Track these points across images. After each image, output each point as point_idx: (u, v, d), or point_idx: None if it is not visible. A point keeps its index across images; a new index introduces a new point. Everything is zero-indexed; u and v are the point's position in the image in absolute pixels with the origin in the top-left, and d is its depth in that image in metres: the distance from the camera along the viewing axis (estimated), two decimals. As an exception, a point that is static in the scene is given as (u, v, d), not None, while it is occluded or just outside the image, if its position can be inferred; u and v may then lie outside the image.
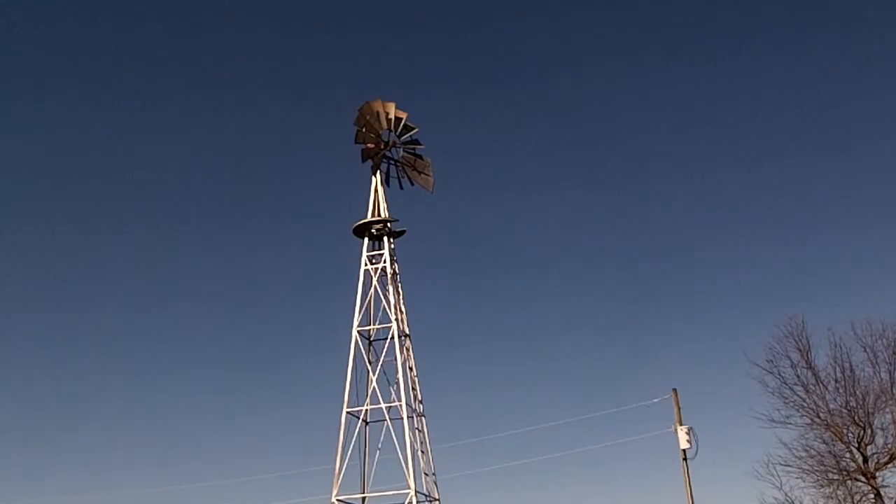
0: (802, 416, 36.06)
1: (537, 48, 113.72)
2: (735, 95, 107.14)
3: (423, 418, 41.80)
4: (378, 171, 43.40)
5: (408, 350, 42.24)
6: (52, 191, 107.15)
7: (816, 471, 35.46)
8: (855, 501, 34.95)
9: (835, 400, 35.77)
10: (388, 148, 43.64)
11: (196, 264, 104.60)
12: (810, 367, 36.23)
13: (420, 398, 42.13)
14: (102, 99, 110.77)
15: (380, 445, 40.32)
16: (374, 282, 42.18)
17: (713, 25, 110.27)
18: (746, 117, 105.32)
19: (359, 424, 40.72)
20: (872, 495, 34.57)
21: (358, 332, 41.58)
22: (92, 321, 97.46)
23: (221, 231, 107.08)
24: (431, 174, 44.07)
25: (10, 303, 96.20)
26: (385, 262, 42.42)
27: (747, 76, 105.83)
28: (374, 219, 42.64)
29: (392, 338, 41.05)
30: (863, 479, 34.74)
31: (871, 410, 35.00)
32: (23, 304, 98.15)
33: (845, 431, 35.31)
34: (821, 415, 35.61)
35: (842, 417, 35.35)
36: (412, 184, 43.94)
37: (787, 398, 36.41)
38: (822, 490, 35.25)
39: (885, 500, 34.37)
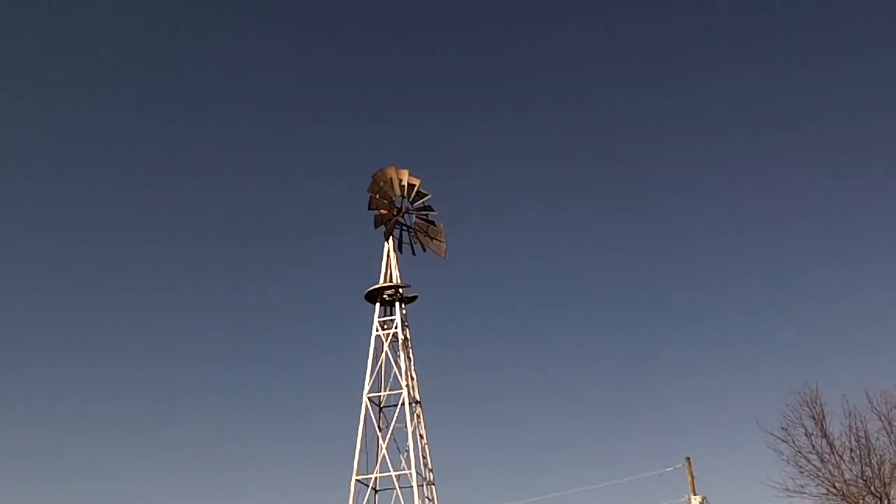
0: (818, 485, 35.57)
1: (550, 116, 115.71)
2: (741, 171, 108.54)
3: (433, 487, 41.47)
4: (391, 237, 43.92)
5: (418, 417, 42.04)
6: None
7: (833, 542, 34.91)
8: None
9: (850, 469, 35.33)
10: (402, 214, 44.20)
11: (207, 329, 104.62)
12: (825, 435, 35.88)
13: (430, 466, 41.89)
14: (128, 171, 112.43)
15: (389, 514, 40.03)
16: (386, 347, 42.24)
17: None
18: (756, 182, 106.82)
19: (368, 492, 40.41)
20: (891, 568, 33.95)
21: (368, 398, 41.49)
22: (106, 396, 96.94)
23: (232, 295, 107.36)
24: (444, 240, 44.56)
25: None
26: (397, 327, 42.54)
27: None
28: (386, 284, 42.91)
29: (403, 404, 40.93)
30: (881, 551, 34.16)
31: (887, 481, 34.54)
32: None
33: (861, 502, 34.80)
34: (836, 485, 35.12)
35: (858, 487, 34.87)
36: (424, 249, 44.45)
37: (802, 467, 35.98)
38: (839, 562, 34.65)
39: (904, 574, 33.74)
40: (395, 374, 41.80)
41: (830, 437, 35.85)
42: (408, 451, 39.98)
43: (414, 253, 44.37)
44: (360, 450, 40.50)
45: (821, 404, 36.40)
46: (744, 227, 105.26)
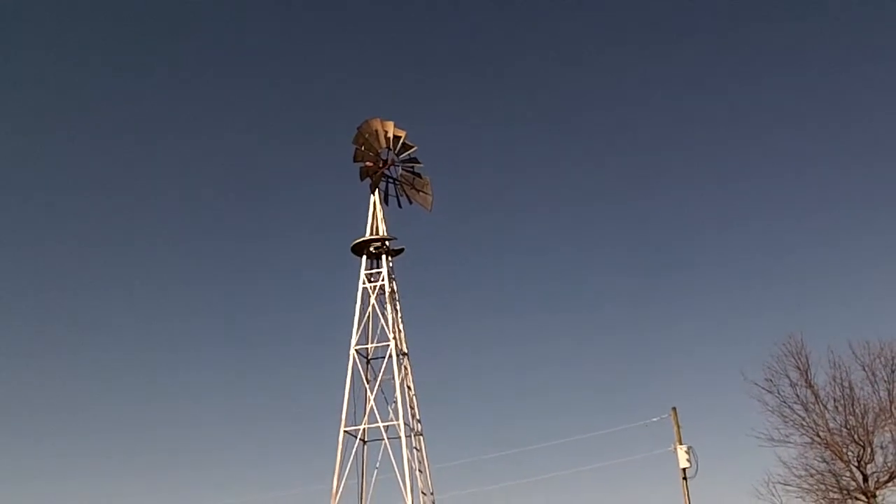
0: (802, 434, 36.03)
1: (537, 67, 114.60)
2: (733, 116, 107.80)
3: (421, 437, 41.75)
4: (377, 190, 43.43)
5: (406, 368, 42.14)
6: (62, 202, 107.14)
7: (816, 490, 35.42)
8: (855, 521, 34.84)
9: (834, 419, 35.76)
10: (387, 166, 43.67)
11: (193, 282, 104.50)
12: (810, 385, 36.23)
13: (418, 417, 42.11)
14: (115, 125, 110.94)
15: (377, 465, 40.36)
16: (373, 300, 42.12)
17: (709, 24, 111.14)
18: (743, 134, 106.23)
19: (356, 444, 40.66)
20: (872, 514, 34.47)
21: (356, 350, 41.49)
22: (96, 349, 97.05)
23: (220, 248, 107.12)
24: (430, 192, 44.12)
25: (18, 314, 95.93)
26: (383, 280, 42.38)
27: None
28: (372, 237, 42.62)
29: (390, 356, 40.98)
30: (863, 497, 34.63)
31: (870, 429, 34.95)
32: (30, 315, 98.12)
33: (845, 450, 35.25)
34: (820, 433, 35.56)
35: (841, 436, 35.31)
36: (410, 202, 43.99)
37: (786, 417, 36.40)
38: (822, 509, 35.16)
39: (886, 519, 34.28)
40: (382, 327, 41.77)
41: (815, 387, 36.27)
42: (395, 402, 40.13)
43: (400, 206, 44.01)
44: (348, 402, 40.67)
45: (805, 355, 36.75)
46: (730, 178, 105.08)
